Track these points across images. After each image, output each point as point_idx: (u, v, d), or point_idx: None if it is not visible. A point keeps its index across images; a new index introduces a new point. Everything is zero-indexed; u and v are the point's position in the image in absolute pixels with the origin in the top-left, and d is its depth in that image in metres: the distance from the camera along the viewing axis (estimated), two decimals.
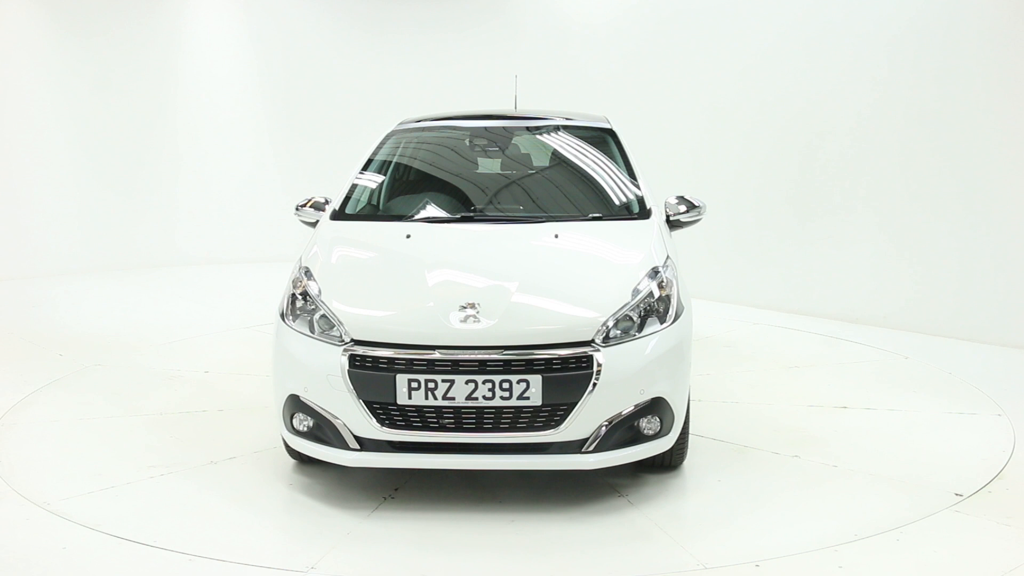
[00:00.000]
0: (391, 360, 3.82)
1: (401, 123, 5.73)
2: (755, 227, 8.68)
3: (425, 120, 5.76)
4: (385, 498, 4.15)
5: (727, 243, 8.78)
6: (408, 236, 4.52)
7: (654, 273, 4.17)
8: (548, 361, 3.78)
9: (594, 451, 3.84)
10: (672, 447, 4.18)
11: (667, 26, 9.19)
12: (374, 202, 5.12)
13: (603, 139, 5.37)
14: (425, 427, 3.81)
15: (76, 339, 7.13)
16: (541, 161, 5.44)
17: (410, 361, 3.80)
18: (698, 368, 6.15)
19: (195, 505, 4.09)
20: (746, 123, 8.60)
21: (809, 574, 3.48)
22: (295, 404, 4.02)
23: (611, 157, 5.21)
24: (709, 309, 8.13)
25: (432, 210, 4.95)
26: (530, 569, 3.51)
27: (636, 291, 4.04)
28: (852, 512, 4.00)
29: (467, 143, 5.52)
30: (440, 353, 3.79)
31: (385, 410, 3.82)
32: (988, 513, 3.99)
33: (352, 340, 3.90)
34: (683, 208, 4.96)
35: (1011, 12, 6.92)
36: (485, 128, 5.62)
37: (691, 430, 4.84)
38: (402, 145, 5.50)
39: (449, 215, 4.84)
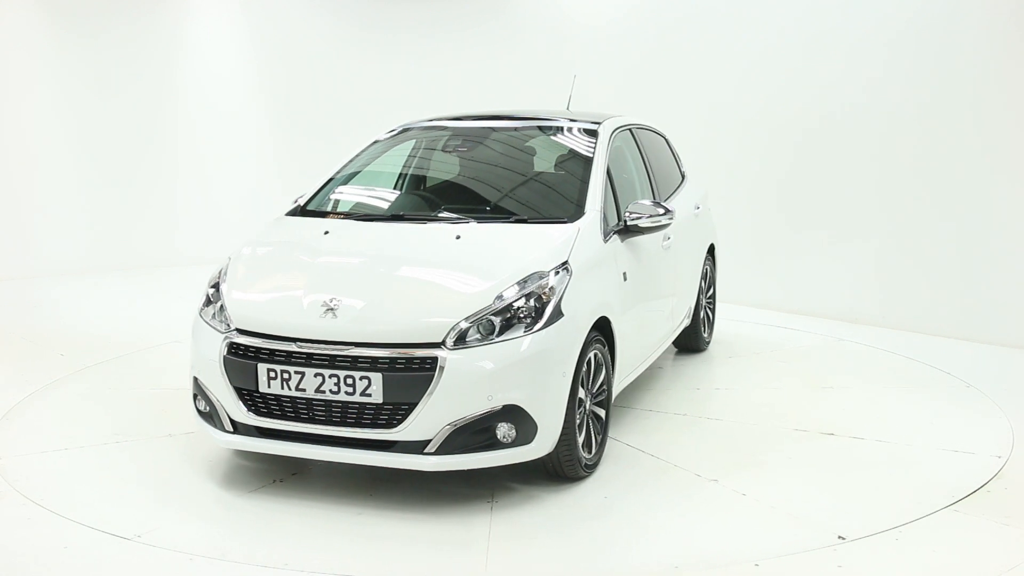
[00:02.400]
0: (257, 349, 4.04)
1: (402, 125, 5.80)
2: (755, 227, 8.68)
3: (425, 121, 5.82)
4: (275, 480, 4.33)
5: (726, 243, 8.76)
6: (326, 232, 4.70)
7: (536, 278, 4.07)
8: (392, 360, 3.84)
9: (436, 453, 3.84)
10: (555, 458, 4.13)
11: (666, 27, 9.19)
12: (333, 200, 5.24)
13: (582, 140, 5.24)
14: (283, 416, 4.01)
15: (76, 339, 7.13)
16: (507, 163, 5.44)
17: (271, 352, 4.01)
18: (717, 381, 6.01)
19: (109, 471, 4.43)
20: (745, 123, 8.60)
21: (808, 573, 3.48)
22: (196, 386, 4.31)
23: (581, 158, 5.07)
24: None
25: (371, 208, 5.11)
26: (325, 556, 3.61)
27: (502, 296, 3.99)
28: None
29: (442, 145, 5.58)
30: (297, 346, 3.96)
31: (251, 397, 4.05)
32: (987, 513, 4.00)
33: (235, 329, 4.14)
34: (646, 213, 4.79)
35: (1008, 13, 6.93)
36: (467, 130, 5.63)
37: (637, 444, 4.79)
38: (386, 145, 5.61)
39: (381, 213, 4.96)
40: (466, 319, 3.89)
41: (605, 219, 4.73)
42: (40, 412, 5.36)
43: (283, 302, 4.18)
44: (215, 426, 4.22)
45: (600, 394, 4.45)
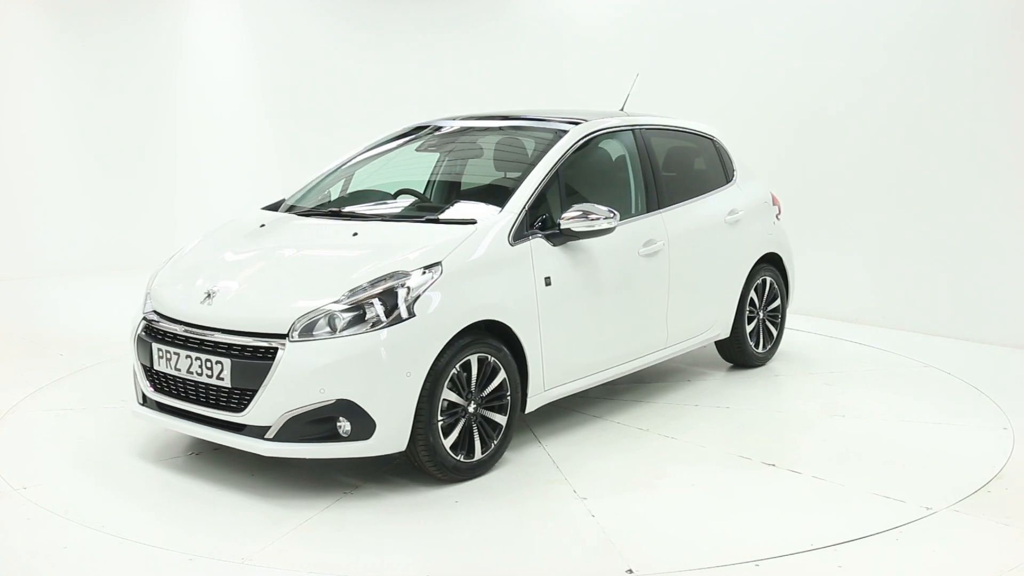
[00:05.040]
0: (155, 330, 4.42)
1: (410, 125, 5.93)
2: None
3: (423, 122, 5.94)
4: (192, 454, 4.65)
5: None
6: (262, 226, 4.95)
7: (396, 277, 4.09)
8: (242, 348, 4.07)
9: (274, 439, 4.00)
10: (415, 457, 4.13)
11: (667, 27, 9.18)
12: (306, 197, 5.38)
13: (547, 141, 5.11)
14: (169, 393, 4.35)
15: (76, 339, 7.13)
16: (473, 163, 5.57)
17: (163, 333, 4.37)
18: (729, 400, 5.61)
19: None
20: (745, 123, 8.59)
21: (809, 574, 3.48)
22: (134, 365, 4.66)
23: (532, 159, 4.96)
24: None
25: (321, 204, 5.25)
26: (141, 524, 3.89)
27: (354, 292, 4.04)
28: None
29: (417, 146, 5.70)
30: (183, 329, 4.28)
31: (149, 373, 4.42)
32: (988, 513, 3.99)
33: (152, 311, 4.53)
34: (579, 217, 4.63)
35: (1010, 12, 6.92)
36: (456, 131, 5.74)
37: (558, 455, 4.64)
38: (376, 146, 5.74)
39: (320, 209, 5.15)
40: (310, 312, 4.00)
41: (542, 221, 4.66)
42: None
43: (182, 288, 4.49)
44: (136, 398, 4.61)
45: (496, 399, 4.39)
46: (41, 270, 9.95)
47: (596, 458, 4.65)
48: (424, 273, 4.15)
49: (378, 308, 4.01)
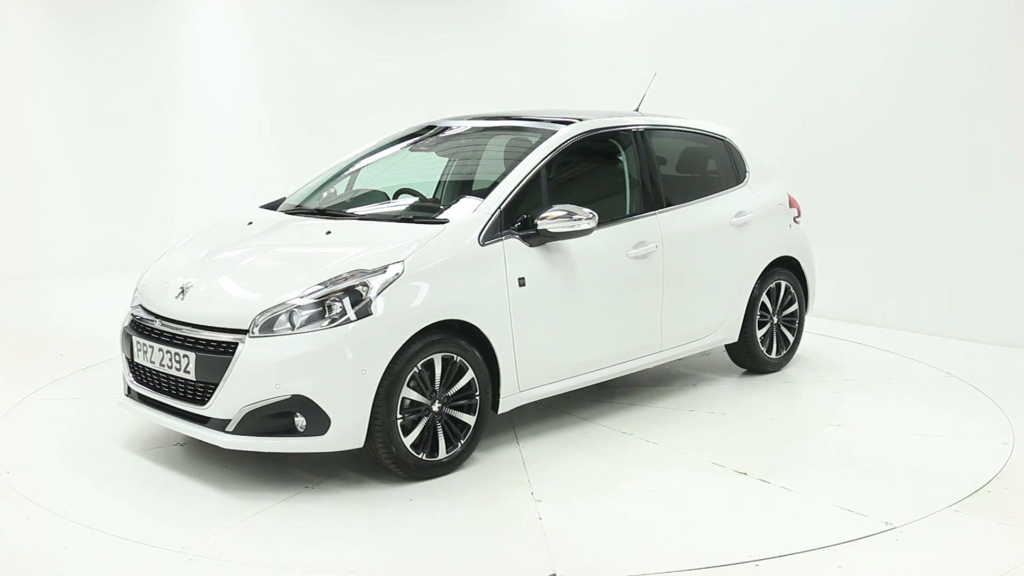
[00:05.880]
0: (138, 324, 4.56)
1: (420, 125, 5.96)
2: None
3: (426, 122, 5.98)
4: (176, 445, 4.75)
5: None
6: (250, 224, 5.02)
7: (356, 275, 4.11)
8: (207, 342, 4.16)
9: (234, 432, 4.07)
10: (375, 454, 4.16)
11: (668, 26, 9.19)
12: (306, 196, 5.43)
13: (535, 142, 5.03)
14: (147, 384, 4.47)
15: (76, 339, 7.13)
16: (466, 163, 5.63)
17: (143, 327, 4.51)
18: (726, 406, 5.47)
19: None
20: (746, 123, 8.59)
21: (809, 574, 3.48)
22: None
23: (519, 159, 4.89)
24: None
25: (309, 203, 5.29)
26: (91, 508, 4.01)
27: (313, 289, 4.08)
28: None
29: (413, 145, 5.73)
30: (159, 323, 4.40)
31: (132, 365, 4.56)
32: (988, 513, 3.99)
33: (139, 305, 4.65)
34: (556, 218, 4.57)
35: (1010, 12, 6.93)
36: (454, 132, 5.77)
37: (532, 458, 4.60)
38: (375, 147, 5.78)
39: (307, 208, 5.21)
40: (271, 308, 4.05)
41: (521, 221, 4.61)
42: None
43: (162, 284, 4.58)
44: (123, 390, 4.70)
45: (464, 399, 4.38)
46: (41, 270, 9.94)
47: (567, 461, 4.60)
48: (385, 272, 4.15)
49: (337, 306, 4.04)
